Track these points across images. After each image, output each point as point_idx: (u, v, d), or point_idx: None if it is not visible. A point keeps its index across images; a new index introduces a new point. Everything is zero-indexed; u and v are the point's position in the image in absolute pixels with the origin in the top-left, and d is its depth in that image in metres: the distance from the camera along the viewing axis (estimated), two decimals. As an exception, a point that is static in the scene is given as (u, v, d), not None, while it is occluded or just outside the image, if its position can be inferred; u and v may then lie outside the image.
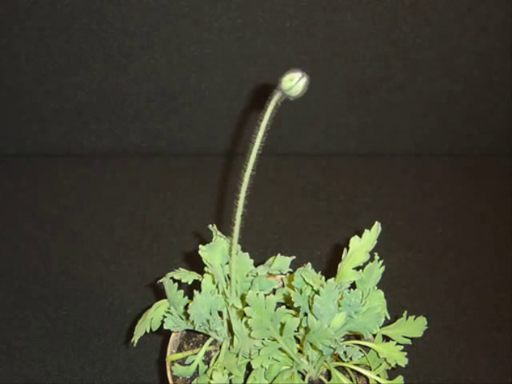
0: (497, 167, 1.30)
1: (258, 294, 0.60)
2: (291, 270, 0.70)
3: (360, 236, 0.67)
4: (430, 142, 1.31)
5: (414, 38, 1.17)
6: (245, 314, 0.61)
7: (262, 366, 0.64)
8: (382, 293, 0.65)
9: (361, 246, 0.66)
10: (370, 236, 0.67)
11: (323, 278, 0.65)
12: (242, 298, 0.67)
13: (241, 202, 0.58)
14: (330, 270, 1.04)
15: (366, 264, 0.66)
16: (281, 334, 0.63)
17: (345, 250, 0.68)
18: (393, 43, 1.18)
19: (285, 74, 0.53)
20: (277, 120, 1.39)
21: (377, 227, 0.67)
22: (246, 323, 0.64)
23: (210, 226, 0.72)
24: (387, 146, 1.31)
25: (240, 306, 0.66)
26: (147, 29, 1.13)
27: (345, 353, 0.61)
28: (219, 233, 0.71)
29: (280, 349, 0.64)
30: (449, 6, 1.14)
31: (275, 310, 0.61)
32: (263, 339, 0.63)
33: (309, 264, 0.68)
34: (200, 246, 0.70)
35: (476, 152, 1.32)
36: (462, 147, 1.32)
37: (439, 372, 0.89)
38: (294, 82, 0.53)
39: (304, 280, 0.66)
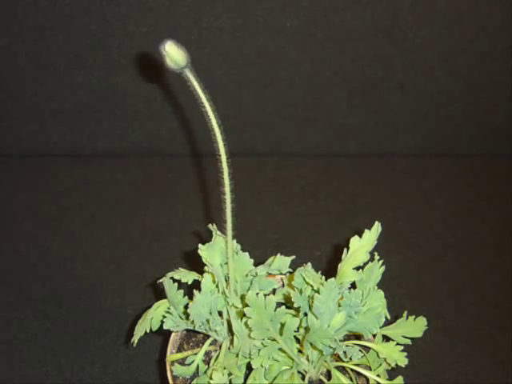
0: (497, 167, 1.30)
1: (257, 294, 0.60)
2: (291, 269, 0.70)
3: (360, 236, 0.67)
4: (430, 142, 1.31)
5: (414, 38, 1.17)
6: (245, 314, 0.61)
7: (261, 366, 0.64)
8: (382, 293, 0.65)
9: (361, 246, 0.66)
10: (370, 236, 0.66)
11: (323, 277, 0.65)
12: (242, 297, 0.67)
13: (228, 204, 0.58)
14: (330, 270, 1.04)
15: (366, 264, 0.66)
16: (281, 334, 0.63)
17: (345, 250, 0.68)
18: (393, 43, 1.18)
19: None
20: (277, 120, 1.40)
21: (377, 227, 0.67)
22: (245, 323, 0.64)
23: (210, 225, 0.72)
24: (387, 145, 1.31)
25: (240, 306, 0.66)
26: (147, 29, 1.13)
27: (344, 353, 0.61)
28: (219, 232, 0.71)
29: (280, 349, 0.64)
30: (449, 6, 1.14)
31: (275, 310, 0.61)
32: (263, 339, 0.63)
33: (309, 264, 0.68)
34: (199, 246, 0.70)
35: (476, 152, 1.32)
36: (462, 147, 1.32)
37: (439, 372, 0.89)
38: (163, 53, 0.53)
39: (304, 280, 0.66)
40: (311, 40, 1.16)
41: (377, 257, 0.66)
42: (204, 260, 0.70)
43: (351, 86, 1.23)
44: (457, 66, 1.21)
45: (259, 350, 0.64)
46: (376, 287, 0.66)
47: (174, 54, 0.52)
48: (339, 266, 0.67)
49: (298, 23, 1.14)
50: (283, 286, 0.77)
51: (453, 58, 1.20)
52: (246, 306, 0.60)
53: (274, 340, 0.63)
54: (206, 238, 0.72)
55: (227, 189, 0.57)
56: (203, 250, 0.70)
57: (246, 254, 0.70)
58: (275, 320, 0.61)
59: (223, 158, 0.56)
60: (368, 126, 1.29)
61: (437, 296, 1.01)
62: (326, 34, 1.16)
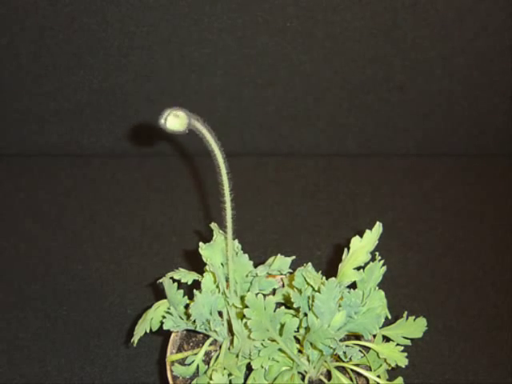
0: (497, 167, 1.30)
1: (257, 296, 0.60)
2: (291, 270, 0.70)
3: (361, 236, 0.67)
4: (430, 142, 1.31)
5: (414, 38, 1.17)
6: (244, 315, 0.61)
7: (261, 367, 0.64)
8: (382, 293, 0.65)
9: (362, 246, 0.66)
10: (371, 236, 0.66)
11: (323, 277, 0.65)
12: (242, 298, 0.67)
13: (228, 204, 0.58)
14: (330, 270, 1.04)
15: (367, 264, 0.66)
16: (280, 335, 0.63)
17: (345, 250, 0.68)
18: (393, 43, 1.17)
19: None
20: (277, 120, 1.40)
21: (378, 227, 0.66)
22: (245, 324, 0.64)
23: (212, 224, 0.72)
24: (387, 145, 1.31)
25: (240, 306, 0.66)
26: (147, 29, 1.13)
27: (344, 353, 0.61)
28: (221, 231, 0.71)
29: (280, 349, 0.64)
30: (449, 6, 1.14)
31: (274, 310, 0.61)
32: (263, 340, 0.63)
33: (309, 264, 0.68)
34: (200, 244, 0.69)
35: (476, 152, 1.32)
36: (462, 147, 1.32)
37: (439, 372, 0.89)
38: (163, 122, 0.53)
39: (305, 280, 0.66)
40: (311, 40, 1.16)
41: (378, 257, 0.66)
42: (204, 259, 0.70)
43: (351, 86, 1.23)
44: (457, 66, 1.21)
45: (259, 350, 0.64)
46: (377, 287, 0.66)
47: (175, 127, 0.52)
48: (340, 266, 0.67)
49: (297, 23, 1.14)
50: (283, 286, 0.77)
51: (453, 58, 1.20)
52: (246, 307, 0.60)
53: (273, 341, 0.63)
54: (207, 238, 0.72)
55: (227, 193, 0.57)
56: (203, 249, 0.70)
57: (246, 255, 0.69)
58: (275, 321, 0.61)
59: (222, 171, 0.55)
60: (368, 126, 1.29)
61: (437, 296, 1.01)
62: (326, 34, 1.16)
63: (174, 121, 0.52)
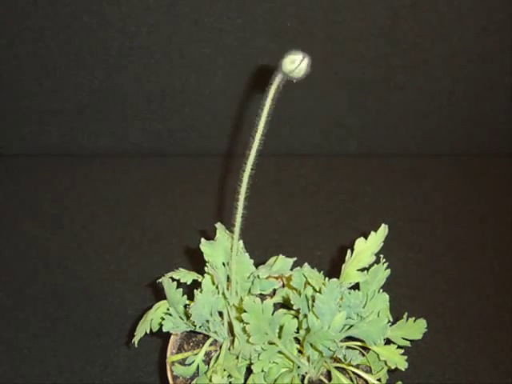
0: (497, 167, 1.30)
1: (254, 300, 0.59)
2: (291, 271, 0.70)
3: (365, 237, 0.67)
4: (430, 142, 1.31)
5: (414, 38, 1.17)
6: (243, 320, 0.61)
7: (262, 371, 0.64)
8: (386, 296, 0.64)
9: (366, 247, 0.66)
10: (376, 238, 0.66)
11: (326, 278, 0.65)
12: (242, 299, 0.67)
13: (240, 204, 0.58)
14: (330, 269, 1.04)
15: (370, 266, 0.66)
16: (280, 337, 0.63)
17: (348, 251, 0.67)
18: (393, 43, 1.18)
19: (285, 56, 0.51)
20: (277, 120, 1.39)
21: (383, 229, 0.66)
22: (243, 329, 0.63)
23: (217, 224, 0.72)
24: (387, 145, 1.31)
25: (240, 307, 0.65)
26: (147, 29, 1.13)
27: (344, 356, 0.61)
28: (227, 232, 0.71)
29: (280, 351, 0.64)
30: (449, 6, 1.14)
31: (273, 313, 0.61)
32: (263, 343, 0.63)
33: (305, 264, 0.68)
34: (202, 240, 0.69)
35: (476, 152, 1.32)
36: (462, 147, 1.32)
37: (439, 372, 0.89)
38: (296, 65, 0.51)
39: (306, 280, 0.65)
40: (311, 40, 1.16)
41: (382, 259, 0.66)
42: (206, 258, 0.70)
43: (351, 86, 1.23)
44: (457, 65, 1.21)
45: (259, 354, 0.63)
46: (381, 290, 0.65)
47: (305, 70, 0.51)
48: (343, 266, 0.67)
49: (298, 23, 1.14)
50: (283, 286, 0.76)
51: (453, 58, 1.20)
52: (244, 311, 0.60)
53: (273, 343, 0.63)
54: (207, 238, 0.72)
55: (243, 192, 0.56)
56: (204, 246, 0.69)
57: (247, 254, 0.69)
58: (273, 324, 0.61)
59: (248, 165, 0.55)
60: (368, 125, 1.29)
61: (437, 296, 1.01)
62: (326, 34, 1.16)
63: (303, 69, 0.51)
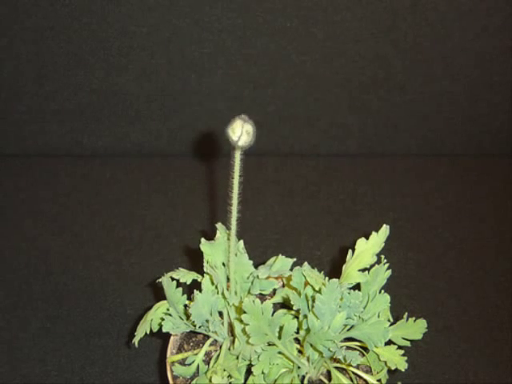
0: (497, 167, 1.30)
1: (254, 301, 0.59)
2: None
3: (366, 238, 0.67)
4: (430, 142, 1.31)
5: (414, 38, 1.17)
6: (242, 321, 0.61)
7: (262, 373, 0.63)
8: (388, 297, 0.64)
9: (367, 248, 0.66)
10: (378, 239, 0.66)
11: (326, 278, 0.65)
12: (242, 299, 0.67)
13: (234, 203, 0.58)
14: (330, 270, 1.04)
15: (372, 266, 0.66)
16: (279, 338, 0.63)
17: (350, 251, 0.67)
18: (393, 43, 1.18)
19: (228, 126, 0.52)
20: (277, 120, 1.40)
21: (385, 230, 0.66)
22: (243, 330, 0.63)
23: (217, 224, 0.72)
24: (387, 145, 1.31)
25: (239, 307, 0.65)
26: (147, 29, 1.13)
27: (344, 357, 0.61)
28: (227, 232, 0.71)
29: (280, 352, 0.64)
30: (449, 6, 1.14)
31: (273, 314, 0.61)
32: (263, 344, 0.63)
33: (305, 263, 0.68)
34: (202, 240, 0.69)
35: (476, 152, 1.32)
36: (462, 147, 1.32)
37: (439, 372, 0.89)
38: (238, 135, 0.52)
39: (306, 280, 0.65)
40: (311, 40, 1.16)
41: (384, 260, 0.66)
42: (206, 257, 0.70)
43: (351, 86, 1.23)
44: (457, 66, 1.21)
45: (259, 355, 0.63)
46: (383, 291, 0.65)
47: (246, 143, 0.51)
48: (344, 267, 0.67)
49: (298, 23, 1.14)
50: (283, 285, 0.76)
51: (453, 57, 1.20)
52: (244, 312, 0.60)
53: (273, 344, 0.63)
54: (208, 238, 0.72)
55: (235, 195, 0.57)
56: (204, 245, 0.69)
57: (246, 255, 0.69)
58: (273, 325, 0.61)
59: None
60: (368, 125, 1.29)
61: (437, 296, 1.01)
62: (326, 34, 1.16)
63: (246, 138, 0.51)
